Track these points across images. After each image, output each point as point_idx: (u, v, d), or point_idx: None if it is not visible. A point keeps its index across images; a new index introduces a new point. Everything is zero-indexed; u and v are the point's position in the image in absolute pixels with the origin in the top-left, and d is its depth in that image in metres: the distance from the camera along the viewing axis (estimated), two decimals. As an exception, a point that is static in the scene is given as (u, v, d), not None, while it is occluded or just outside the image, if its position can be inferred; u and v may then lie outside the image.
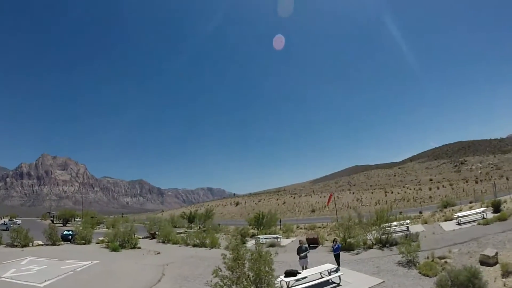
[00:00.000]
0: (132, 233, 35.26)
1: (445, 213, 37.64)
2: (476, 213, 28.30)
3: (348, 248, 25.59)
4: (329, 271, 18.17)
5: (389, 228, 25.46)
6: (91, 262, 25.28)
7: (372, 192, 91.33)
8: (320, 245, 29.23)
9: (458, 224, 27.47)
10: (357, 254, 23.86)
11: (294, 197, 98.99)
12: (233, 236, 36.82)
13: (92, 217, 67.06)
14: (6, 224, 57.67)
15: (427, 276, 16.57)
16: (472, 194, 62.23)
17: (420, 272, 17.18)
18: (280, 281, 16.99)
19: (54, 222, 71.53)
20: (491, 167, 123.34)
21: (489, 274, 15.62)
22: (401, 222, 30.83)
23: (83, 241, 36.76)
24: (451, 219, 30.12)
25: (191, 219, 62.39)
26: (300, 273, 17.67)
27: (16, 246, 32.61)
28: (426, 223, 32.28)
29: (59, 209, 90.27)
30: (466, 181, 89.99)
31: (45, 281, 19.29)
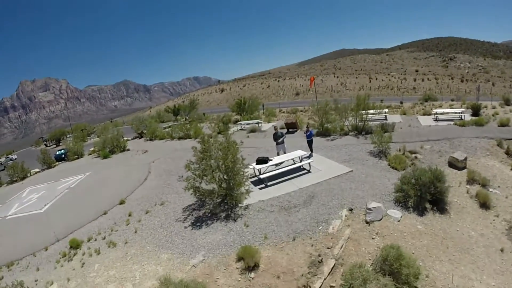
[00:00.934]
0: (119, 136, 35.77)
1: (425, 106, 37.80)
2: (455, 113, 28.16)
3: (325, 133, 25.91)
4: (301, 157, 18.41)
5: (366, 116, 25.41)
6: (84, 174, 26.50)
7: (356, 77, 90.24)
8: (299, 130, 29.33)
9: (435, 120, 27.64)
10: (332, 140, 24.20)
11: (278, 81, 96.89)
12: (215, 124, 36.46)
13: (82, 130, 66.36)
14: (2, 163, 55.92)
15: (395, 169, 16.98)
16: (455, 92, 62.47)
17: (389, 164, 17.57)
18: (253, 168, 17.37)
19: (48, 145, 71.60)
20: (479, 69, 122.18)
21: (455, 177, 16.07)
22: (379, 110, 30.77)
23: (76, 156, 37.49)
24: (429, 114, 30.15)
25: (176, 112, 61.82)
26: (271, 160, 17.91)
27: (16, 181, 33.03)
28: (404, 114, 32.34)
29: (52, 130, 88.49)
30: (452, 78, 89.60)
31: (45, 205, 20.50)
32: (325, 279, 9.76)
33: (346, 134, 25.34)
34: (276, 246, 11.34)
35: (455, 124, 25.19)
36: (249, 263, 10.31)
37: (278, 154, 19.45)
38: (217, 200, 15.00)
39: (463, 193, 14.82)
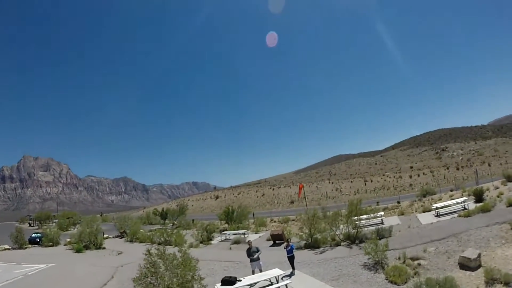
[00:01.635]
0: (97, 232, 34.76)
1: (424, 202, 34.88)
2: (457, 203, 25.48)
3: (314, 245, 22.65)
4: (277, 277, 15.08)
5: (359, 222, 22.41)
6: (47, 265, 24.89)
7: (351, 181, 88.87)
8: (285, 242, 25.95)
9: (437, 216, 24.61)
10: (321, 252, 20.83)
11: (273, 189, 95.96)
12: (198, 233, 33.75)
13: (68, 218, 64.72)
14: None
15: (395, 283, 13.59)
16: (453, 181, 60.26)
17: (387, 278, 14.13)
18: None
19: (31, 225, 70.86)
20: (472, 154, 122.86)
21: (469, 281, 12.72)
22: (374, 214, 27.73)
23: (51, 243, 36.43)
24: (430, 210, 27.21)
25: (163, 215, 59.63)
26: (240, 280, 14.61)
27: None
28: (402, 214, 29.34)
29: (43, 211, 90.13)
30: (447, 168, 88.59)
31: (-10, 286, 19.14)
32: None
33: (337, 244, 22.18)
34: None
35: (459, 216, 22.34)
36: None
37: (253, 273, 16.63)
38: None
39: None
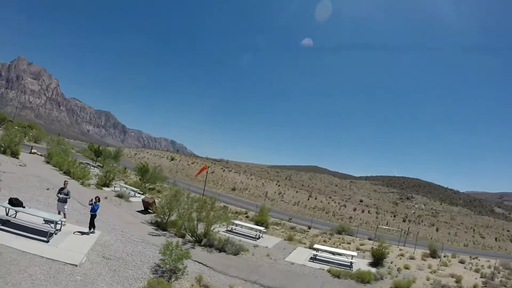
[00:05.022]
0: (18, 142, 35.60)
1: (330, 239, 31.27)
2: (342, 254, 21.61)
3: (161, 226, 20.99)
4: (56, 222, 14.42)
5: (219, 223, 20.25)
6: None
7: (297, 191, 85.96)
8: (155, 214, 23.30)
9: (312, 258, 20.82)
10: (157, 235, 19.05)
11: (224, 170, 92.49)
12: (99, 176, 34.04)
13: (23, 127, 62.18)
14: None
15: None
16: (393, 231, 57.24)
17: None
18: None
19: None
20: (428, 212, 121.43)
21: None
22: (256, 228, 24.39)
23: None
24: (315, 250, 23.19)
25: (97, 153, 55.98)
26: (24, 207, 14.76)
27: None
28: (290, 240, 25.70)
29: (18, 118, 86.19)
30: (394, 216, 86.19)
31: None
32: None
33: (182, 236, 19.80)
34: None
35: (329, 271, 18.32)
36: None
37: (58, 213, 16.26)
38: None
39: None
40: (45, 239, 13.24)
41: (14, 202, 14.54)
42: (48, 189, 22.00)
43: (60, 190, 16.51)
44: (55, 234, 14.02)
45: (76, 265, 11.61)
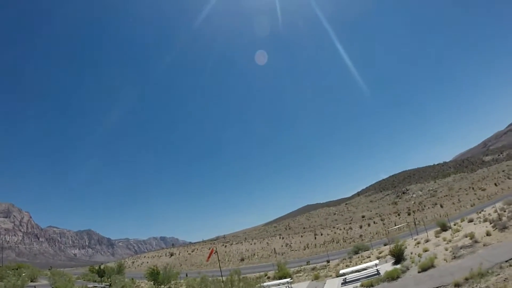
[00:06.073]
0: (22, 285, 32.97)
1: (350, 262, 31.85)
2: (367, 268, 22.45)
3: None
4: None
5: None
6: None
7: (301, 236, 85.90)
8: None
9: (344, 283, 21.49)
10: None
11: (225, 246, 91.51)
12: None
13: (14, 269, 59.04)
14: None
15: None
16: (403, 227, 57.82)
17: None
18: None
19: None
20: (426, 196, 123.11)
21: None
22: (279, 281, 24.88)
23: None
24: (342, 275, 23.91)
25: (100, 273, 54.96)
26: None
27: None
28: (317, 278, 26.21)
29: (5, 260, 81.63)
30: (398, 214, 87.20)
31: None
32: None
33: None
34: None
35: (362, 286, 19.17)
36: None
37: None
38: None
39: None
40: None
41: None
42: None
43: None
44: None
45: None
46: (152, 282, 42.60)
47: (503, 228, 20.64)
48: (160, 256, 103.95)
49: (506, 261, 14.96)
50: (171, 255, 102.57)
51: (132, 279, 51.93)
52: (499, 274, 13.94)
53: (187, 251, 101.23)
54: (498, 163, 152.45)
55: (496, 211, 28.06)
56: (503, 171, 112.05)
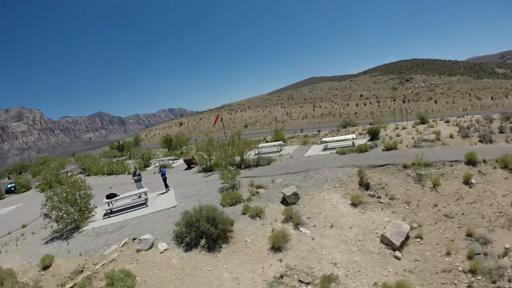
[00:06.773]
0: (57, 172, 38.33)
1: (337, 134, 37.30)
2: (345, 139, 27.86)
3: (208, 169, 26.79)
4: (140, 194, 20.30)
5: (246, 151, 25.78)
6: (16, 205, 30.15)
7: (301, 107, 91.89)
8: (198, 165, 29.45)
9: (324, 149, 27.26)
10: (208, 175, 24.63)
11: (230, 113, 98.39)
12: (137, 162, 38.88)
13: (41, 164, 65.80)
14: None
15: (222, 205, 17.00)
16: (400, 113, 62.30)
17: (221, 203, 17.26)
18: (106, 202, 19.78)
19: (10, 177, 70.18)
20: (425, 89, 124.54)
21: (275, 214, 15.94)
22: (273, 143, 31.16)
23: (24, 189, 40.50)
24: (324, 142, 29.51)
25: (120, 148, 62.88)
26: (119, 195, 20.16)
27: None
28: (304, 144, 32.13)
29: (22, 162, 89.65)
30: (394, 100, 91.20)
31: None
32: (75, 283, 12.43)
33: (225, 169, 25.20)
34: (67, 257, 14.21)
35: (337, 152, 24.75)
36: (45, 265, 13.63)
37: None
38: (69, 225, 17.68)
39: (266, 232, 14.37)
40: (145, 205, 19.25)
41: (110, 196, 19.97)
42: (123, 183, 27.85)
43: (133, 174, 22.03)
44: (147, 201, 19.87)
45: (175, 206, 18.05)
46: (166, 149, 49.17)
47: (465, 136, 23.36)
48: (170, 127, 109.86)
49: (450, 161, 18.14)
50: (180, 124, 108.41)
51: (148, 149, 56.98)
52: (439, 169, 17.56)
53: (195, 120, 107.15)
54: (507, 79, 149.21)
55: (471, 120, 29.46)
56: (506, 88, 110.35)
